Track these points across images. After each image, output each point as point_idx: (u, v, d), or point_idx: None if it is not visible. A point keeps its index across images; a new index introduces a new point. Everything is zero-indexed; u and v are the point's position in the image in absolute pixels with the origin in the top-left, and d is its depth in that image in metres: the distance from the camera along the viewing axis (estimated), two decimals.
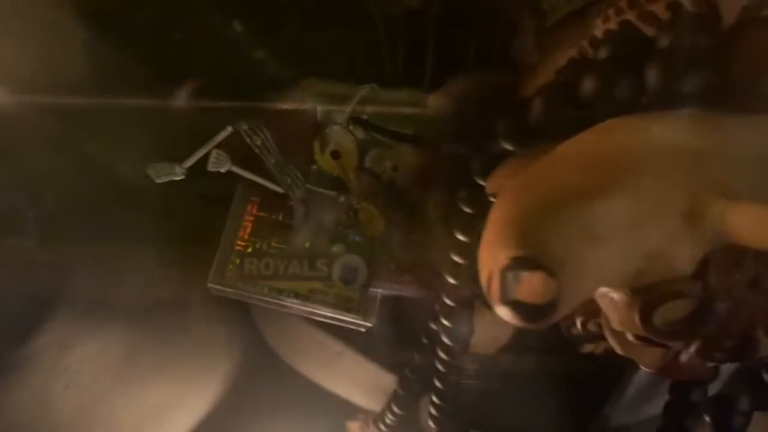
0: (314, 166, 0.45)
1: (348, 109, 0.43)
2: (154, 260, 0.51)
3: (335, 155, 0.44)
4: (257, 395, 0.80)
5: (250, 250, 0.47)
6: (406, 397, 0.54)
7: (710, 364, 0.30)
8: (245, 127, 0.42)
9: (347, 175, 0.45)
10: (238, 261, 0.46)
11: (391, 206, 0.45)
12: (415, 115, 0.45)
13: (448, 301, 0.45)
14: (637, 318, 0.25)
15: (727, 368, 0.36)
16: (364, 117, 0.44)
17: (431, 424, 0.55)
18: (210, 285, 0.47)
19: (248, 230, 0.46)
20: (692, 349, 0.26)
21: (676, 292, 0.24)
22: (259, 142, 0.42)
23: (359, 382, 0.61)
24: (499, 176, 0.31)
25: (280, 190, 0.44)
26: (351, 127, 0.44)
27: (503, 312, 0.22)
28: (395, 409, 0.55)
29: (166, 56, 0.45)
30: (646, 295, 0.24)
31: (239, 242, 0.46)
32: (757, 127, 0.24)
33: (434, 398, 0.52)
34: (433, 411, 0.53)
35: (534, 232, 0.22)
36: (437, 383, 0.50)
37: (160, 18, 0.45)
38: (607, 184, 0.23)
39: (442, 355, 0.47)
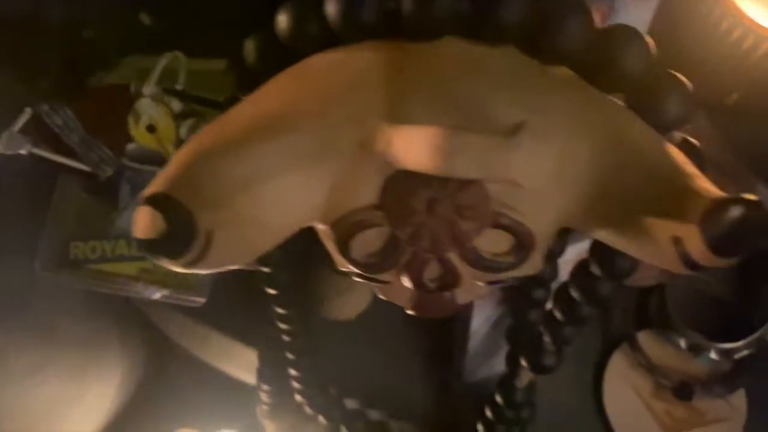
0: (131, 144, 0.45)
1: (152, 80, 0.43)
2: None
3: (151, 129, 0.43)
4: (168, 388, 0.80)
5: (75, 234, 0.46)
6: (268, 371, 0.54)
7: (458, 300, 0.30)
8: (45, 108, 0.42)
9: (165, 148, 0.44)
10: (64, 246, 0.46)
11: None
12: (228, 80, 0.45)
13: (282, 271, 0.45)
14: (336, 253, 0.25)
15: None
16: (177, 87, 0.44)
17: (297, 395, 0.55)
18: (42, 273, 0.47)
19: (72, 214, 0.46)
20: (405, 281, 0.26)
21: (362, 222, 0.23)
22: (60, 122, 0.42)
23: (240, 363, 0.61)
24: None
25: (87, 168, 0.43)
26: (165, 99, 0.43)
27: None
28: (263, 385, 0.55)
29: None
30: (338, 228, 0.24)
31: (64, 227, 0.46)
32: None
33: (291, 369, 0.52)
34: (294, 383, 0.53)
35: (183, 171, 0.22)
36: (289, 354, 0.50)
37: None
38: (281, 121, 0.23)
39: (284, 324, 0.47)
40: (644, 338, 0.53)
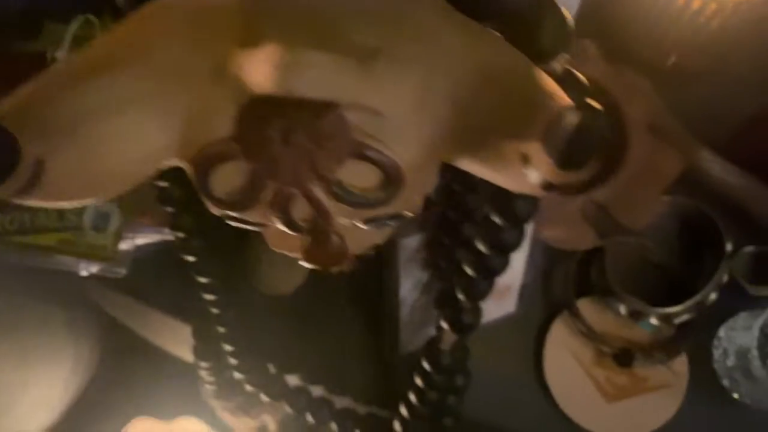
0: None
1: (65, 46, 0.41)
2: None
3: None
4: (123, 375, 0.79)
5: None
6: (203, 346, 0.53)
7: (349, 248, 0.29)
8: None
9: None
10: None
11: None
12: None
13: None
14: (198, 188, 0.24)
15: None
16: None
17: (235, 372, 0.54)
18: None
19: None
20: (275, 221, 0.25)
21: (218, 155, 0.22)
22: None
23: (179, 341, 0.60)
24: None
25: None
26: None
27: None
28: (201, 362, 0.54)
29: None
30: (196, 164, 0.23)
31: None
32: None
33: (225, 344, 0.51)
34: (230, 359, 0.52)
35: (19, 100, 0.22)
36: (220, 327, 0.49)
37: None
38: (130, 51, 0.22)
39: (209, 295, 0.46)
40: (584, 305, 0.52)
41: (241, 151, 0.22)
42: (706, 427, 0.50)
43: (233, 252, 0.50)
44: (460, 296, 0.37)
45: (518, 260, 0.48)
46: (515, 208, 0.30)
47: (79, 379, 0.75)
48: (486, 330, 0.53)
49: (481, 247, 0.33)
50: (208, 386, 0.60)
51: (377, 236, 0.31)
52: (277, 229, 0.29)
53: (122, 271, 0.43)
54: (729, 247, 0.52)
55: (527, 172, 0.21)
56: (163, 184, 0.36)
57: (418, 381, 0.45)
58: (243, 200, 0.23)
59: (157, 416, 0.75)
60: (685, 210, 0.55)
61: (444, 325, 0.40)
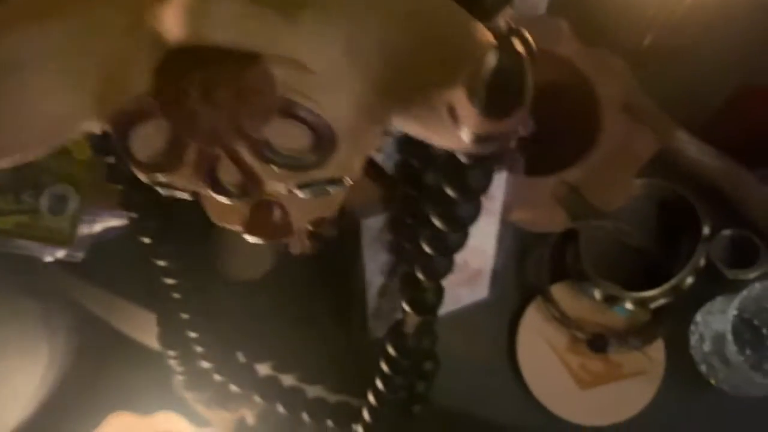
0: None
1: None
2: None
3: None
4: (101, 369, 0.78)
5: None
6: (169, 334, 0.51)
7: (291, 219, 0.28)
8: None
9: None
10: None
11: None
12: None
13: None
14: (120, 150, 0.23)
15: None
16: None
17: (202, 360, 0.53)
18: None
19: None
20: (205, 188, 0.23)
21: (136, 113, 0.21)
22: None
23: (147, 330, 0.59)
24: None
25: None
26: None
27: None
28: (169, 351, 0.53)
29: None
30: (115, 124, 0.22)
31: None
32: None
33: (189, 331, 0.50)
34: (196, 347, 0.51)
35: None
36: (183, 314, 0.48)
37: None
38: (47, 4, 0.21)
39: (168, 278, 0.45)
40: (558, 291, 0.51)
41: (158, 107, 0.21)
42: (682, 414, 0.49)
43: (195, 236, 0.49)
44: (420, 276, 0.36)
45: (488, 244, 0.46)
46: (467, 180, 0.29)
47: (54, 373, 0.74)
48: (459, 316, 0.52)
49: (438, 222, 0.32)
50: (179, 377, 0.59)
51: (323, 208, 0.30)
52: (218, 201, 0.28)
53: (79, 255, 0.41)
54: (706, 230, 0.51)
55: (457, 125, 0.19)
56: (110, 160, 0.35)
57: (384, 366, 0.44)
58: (165, 162, 0.22)
59: (136, 411, 0.74)
60: (662, 193, 0.53)
61: (406, 306, 0.39)
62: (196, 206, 0.34)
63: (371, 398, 0.47)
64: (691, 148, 0.51)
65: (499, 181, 0.42)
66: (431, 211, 0.32)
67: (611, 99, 0.49)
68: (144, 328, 0.59)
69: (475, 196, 0.30)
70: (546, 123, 0.54)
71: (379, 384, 0.45)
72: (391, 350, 0.42)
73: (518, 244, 0.54)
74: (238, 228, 0.28)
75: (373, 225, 0.40)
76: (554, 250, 0.52)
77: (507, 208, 0.44)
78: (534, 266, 0.52)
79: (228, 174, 0.22)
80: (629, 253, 0.53)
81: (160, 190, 0.24)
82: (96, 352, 0.81)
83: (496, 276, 0.50)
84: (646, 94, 0.52)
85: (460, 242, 0.33)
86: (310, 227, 0.34)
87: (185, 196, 0.25)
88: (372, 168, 0.37)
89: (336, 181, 0.24)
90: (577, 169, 0.47)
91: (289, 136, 0.21)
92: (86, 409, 0.73)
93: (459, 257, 0.48)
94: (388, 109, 0.22)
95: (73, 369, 0.79)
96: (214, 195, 0.23)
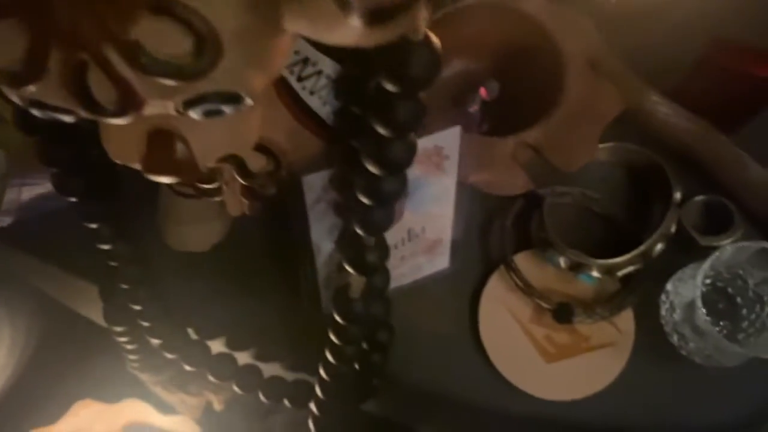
0: None
1: None
2: None
3: None
4: (67, 357, 0.75)
5: None
6: (113, 309, 0.49)
7: (194, 153, 0.25)
8: None
9: None
10: None
11: None
12: None
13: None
14: None
15: None
16: None
17: (150, 337, 0.50)
18: None
19: None
20: (76, 105, 0.21)
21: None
22: None
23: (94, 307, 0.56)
24: None
25: None
26: None
27: None
28: (114, 327, 0.50)
29: None
30: None
31: None
32: None
33: (132, 304, 0.47)
34: (141, 322, 0.49)
35: None
36: (123, 284, 0.45)
37: None
38: None
39: (103, 244, 0.42)
40: (522, 259, 0.49)
41: (11, 3, 0.18)
42: (652, 388, 0.46)
43: (133, 200, 0.46)
44: (360, 231, 0.33)
45: (445, 209, 0.44)
46: (396, 113, 0.27)
47: (15, 361, 0.72)
48: (419, 288, 0.50)
49: (371, 167, 0.30)
50: (130, 357, 0.56)
51: (232, 142, 0.27)
52: (115, 133, 0.25)
53: (6, 220, 0.39)
54: (678, 196, 0.49)
55: (343, 9, 0.17)
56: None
57: (333, 336, 0.41)
58: (27, 71, 0.20)
59: (101, 399, 0.71)
60: (632, 158, 0.51)
61: (348, 267, 0.36)
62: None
63: (322, 372, 0.44)
64: (662, 109, 0.49)
65: (454, 139, 0.40)
66: (364, 154, 0.30)
67: (576, 57, 0.47)
68: (80, 300, 0.56)
69: (405, 131, 0.27)
70: (513, 87, 0.51)
71: (329, 355, 0.43)
72: (337, 317, 0.40)
73: (481, 213, 0.51)
74: (136, 165, 0.25)
75: (315, 182, 0.37)
76: (518, 219, 0.50)
77: (463, 170, 0.42)
78: (497, 236, 0.50)
79: (100, 87, 0.20)
80: (598, 221, 0.51)
81: (34, 111, 0.22)
82: (59, 337, 0.79)
83: (457, 246, 0.48)
84: (615, 55, 0.49)
85: (397, 189, 0.30)
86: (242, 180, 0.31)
87: (67, 118, 0.22)
88: (312, 119, 0.35)
89: (231, 99, 0.21)
90: (538, 129, 0.45)
91: (164, 39, 0.19)
92: (50, 397, 0.71)
93: (416, 223, 0.45)
94: (275, 6, 0.19)
95: (36, 355, 0.77)
96: (88, 114, 0.21)
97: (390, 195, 0.30)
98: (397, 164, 0.28)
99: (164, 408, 0.71)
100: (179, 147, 0.24)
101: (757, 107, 0.48)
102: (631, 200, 0.51)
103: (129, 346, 0.53)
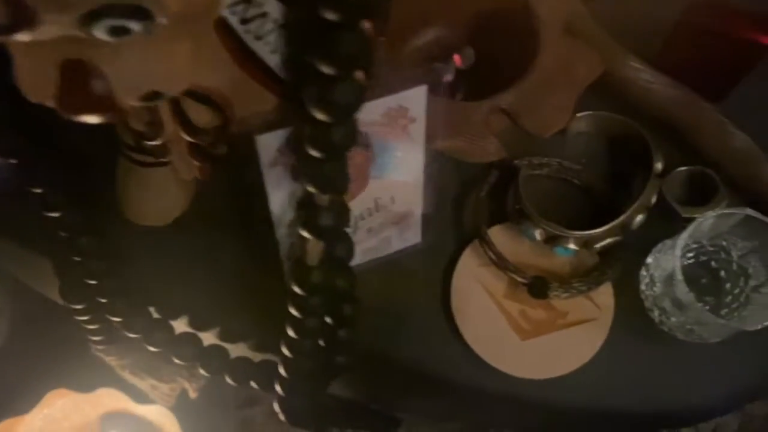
0: None
1: None
2: None
3: None
4: (40, 345, 0.73)
5: None
6: (69, 286, 0.47)
7: (112, 89, 0.23)
8: None
9: None
10: None
11: None
12: None
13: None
14: None
15: None
16: None
17: (109, 315, 0.48)
18: None
19: None
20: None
21: None
22: None
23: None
24: None
25: None
26: None
27: None
28: (72, 305, 0.48)
29: None
30: None
31: None
32: None
33: (87, 279, 0.45)
34: (99, 298, 0.46)
35: None
36: (76, 257, 0.43)
37: None
38: None
39: (49, 212, 0.40)
40: (497, 233, 0.47)
41: None
42: (632, 365, 0.44)
43: (86, 167, 0.44)
44: (312, 189, 0.31)
45: (414, 177, 0.42)
46: (339, 45, 0.24)
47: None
48: (391, 262, 0.48)
49: (318, 113, 0.27)
50: (93, 338, 0.54)
51: (155, 77, 0.25)
52: (27, 67, 0.23)
53: None
54: (659, 166, 0.47)
55: None
56: None
57: (292, 309, 0.39)
58: None
59: (75, 388, 0.69)
60: (612, 127, 0.49)
61: (303, 231, 0.34)
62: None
63: (284, 349, 0.42)
64: (642, 76, 0.47)
65: (420, 100, 0.38)
66: (308, 99, 0.27)
67: (551, 20, 0.45)
68: (35, 275, 0.54)
69: (350, 67, 0.25)
70: (488, 54, 0.49)
71: (290, 330, 0.40)
72: (295, 287, 0.38)
73: (454, 185, 0.49)
74: (51, 103, 0.23)
75: (270, 142, 0.35)
76: (493, 191, 0.48)
77: (432, 135, 0.40)
78: (471, 209, 0.48)
79: None
80: (576, 193, 0.49)
81: None
82: (31, 324, 0.76)
83: (429, 219, 0.46)
84: (592, 18, 0.47)
85: (347, 137, 0.28)
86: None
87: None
88: (260, 69, 0.33)
89: (137, 13, 0.19)
90: (511, 93, 0.43)
91: None
92: (23, 387, 0.69)
93: (383, 193, 0.43)
94: None
95: (7, 346, 0.74)
96: None
97: (339, 144, 0.28)
98: (344, 106, 0.26)
99: (139, 397, 0.69)
100: (97, 82, 0.22)
101: (740, 72, 0.46)
102: (611, 171, 0.49)
103: (90, 326, 0.51)
